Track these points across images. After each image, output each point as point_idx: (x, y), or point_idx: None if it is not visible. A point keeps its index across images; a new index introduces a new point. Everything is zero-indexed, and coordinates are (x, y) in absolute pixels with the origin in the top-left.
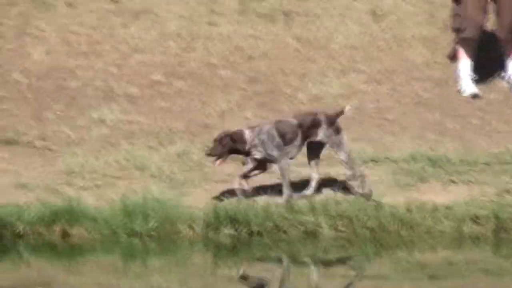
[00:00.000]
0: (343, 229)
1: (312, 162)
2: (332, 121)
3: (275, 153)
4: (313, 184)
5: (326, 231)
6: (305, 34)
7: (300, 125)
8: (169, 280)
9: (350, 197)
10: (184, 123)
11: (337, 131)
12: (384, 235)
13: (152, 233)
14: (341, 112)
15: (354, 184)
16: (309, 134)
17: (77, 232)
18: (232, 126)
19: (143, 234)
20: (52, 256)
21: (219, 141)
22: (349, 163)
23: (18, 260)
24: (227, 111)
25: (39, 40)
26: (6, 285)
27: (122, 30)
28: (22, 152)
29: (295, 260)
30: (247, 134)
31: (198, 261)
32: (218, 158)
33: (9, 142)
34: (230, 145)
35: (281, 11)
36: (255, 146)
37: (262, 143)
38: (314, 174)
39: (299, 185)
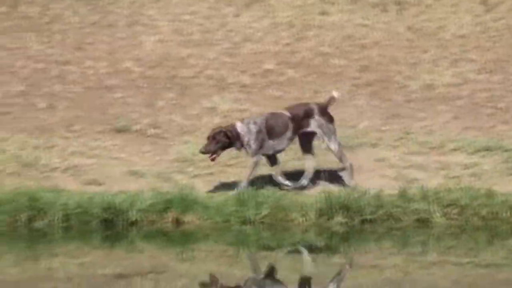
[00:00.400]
0: (455, 217)
1: (307, 152)
2: (324, 111)
3: (254, 146)
4: (309, 173)
5: (438, 219)
6: (417, 23)
7: (292, 118)
8: (282, 268)
9: (462, 186)
10: None
11: (330, 120)
12: (496, 223)
13: (264, 220)
14: (332, 99)
15: (343, 174)
16: (302, 125)
17: (190, 219)
18: (343, 114)
19: (255, 221)
20: (165, 244)
21: (212, 137)
22: (339, 152)
23: (131, 247)
24: (338, 99)
25: (152, 29)
26: (119, 272)
27: (234, 19)
28: (135, 140)
29: (408, 247)
30: (239, 127)
31: (311, 249)
32: (212, 155)
33: (121, 130)
34: (224, 141)
35: (393, 0)
36: (245, 136)
37: (249, 132)
38: (310, 163)
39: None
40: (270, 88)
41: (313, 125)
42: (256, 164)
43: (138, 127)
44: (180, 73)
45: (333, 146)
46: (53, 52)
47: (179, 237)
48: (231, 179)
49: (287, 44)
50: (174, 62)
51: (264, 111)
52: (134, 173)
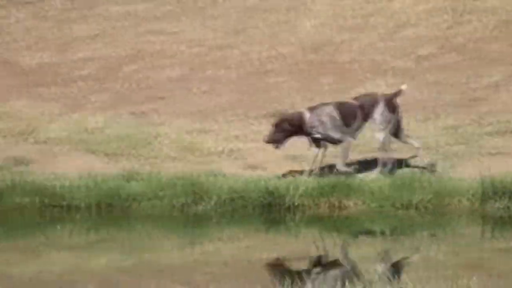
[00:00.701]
0: None
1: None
2: (389, 102)
3: (336, 135)
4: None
5: None
6: None
7: (360, 106)
8: (443, 253)
9: None
10: (454, 96)
11: (392, 111)
12: None
13: (427, 205)
14: (399, 92)
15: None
16: (368, 115)
17: (349, 204)
18: (504, 99)
19: (418, 206)
20: (326, 228)
21: (276, 126)
22: (383, 144)
23: (290, 232)
24: (500, 84)
25: (310, 13)
26: (276, 257)
27: (392, 4)
28: None
29: None
30: (307, 115)
31: (475, 233)
32: (277, 143)
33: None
34: (289, 129)
35: None
36: (314, 127)
37: (322, 124)
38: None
39: None
40: (428, 72)
41: (376, 113)
42: (346, 148)
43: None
44: (338, 58)
45: (380, 136)
46: (213, 36)
47: (339, 222)
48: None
49: (446, 29)
50: (332, 47)
51: (423, 96)
52: (293, 158)
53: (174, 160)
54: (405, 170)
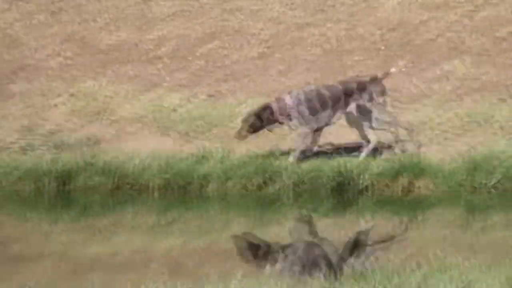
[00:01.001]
0: None
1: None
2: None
3: (303, 121)
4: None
5: None
6: None
7: (344, 90)
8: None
9: None
10: None
11: (381, 93)
12: None
13: (497, 186)
14: (386, 74)
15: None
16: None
17: (421, 185)
18: None
19: (488, 187)
20: (395, 210)
21: (244, 121)
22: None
23: (363, 213)
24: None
25: None
26: (346, 240)
27: None
28: None
29: None
30: (274, 106)
31: None
32: (245, 138)
33: None
34: (258, 123)
35: None
36: (283, 115)
37: (292, 109)
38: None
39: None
40: (504, 53)
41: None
42: (306, 135)
43: None
44: (418, 37)
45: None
46: (291, 15)
47: (411, 204)
48: (463, 147)
49: None
50: (410, 27)
51: (502, 77)
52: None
53: (247, 142)
54: (477, 151)
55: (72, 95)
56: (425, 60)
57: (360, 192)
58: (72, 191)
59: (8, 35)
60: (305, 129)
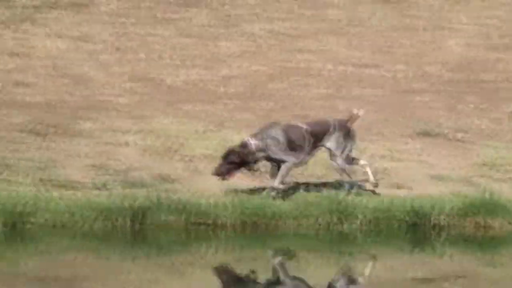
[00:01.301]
0: None
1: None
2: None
3: (281, 155)
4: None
5: None
6: None
7: (311, 131)
8: None
9: None
10: None
11: (347, 136)
12: None
13: None
14: (354, 116)
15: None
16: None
17: (495, 224)
18: None
19: None
20: (469, 248)
21: (224, 158)
22: (341, 170)
23: (438, 251)
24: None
25: (456, 32)
26: (423, 276)
27: None
28: (437, 143)
29: None
30: (252, 142)
31: None
32: (223, 176)
33: (424, 134)
34: (236, 161)
35: None
36: (261, 150)
37: (267, 146)
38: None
39: None
40: None
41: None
42: (289, 168)
43: (440, 130)
44: (484, 77)
45: (340, 161)
46: (359, 55)
47: (484, 242)
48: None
49: None
50: (479, 66)
51: None
52: (437, 177)
53: (320, 178)
54: None
55: (141, 132)
56: (494, 99)
57: (434, 229)
58: (144, 229)
59: (77, 74)
60: (292, 159)
